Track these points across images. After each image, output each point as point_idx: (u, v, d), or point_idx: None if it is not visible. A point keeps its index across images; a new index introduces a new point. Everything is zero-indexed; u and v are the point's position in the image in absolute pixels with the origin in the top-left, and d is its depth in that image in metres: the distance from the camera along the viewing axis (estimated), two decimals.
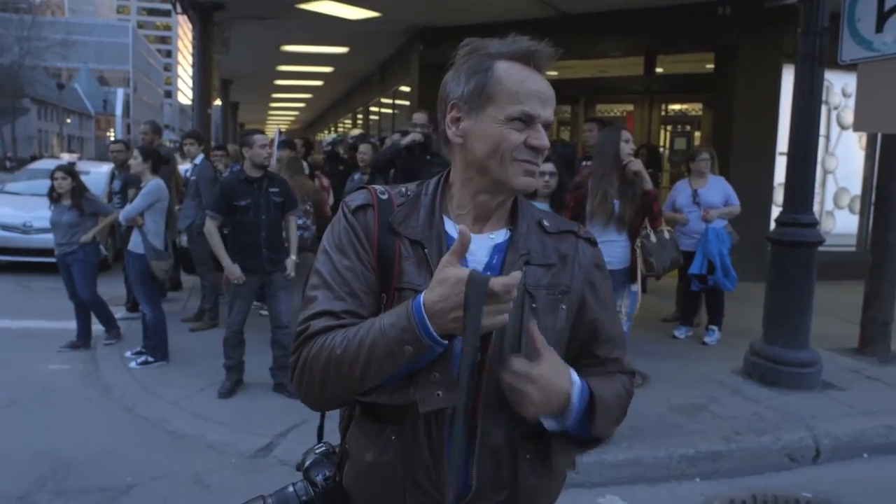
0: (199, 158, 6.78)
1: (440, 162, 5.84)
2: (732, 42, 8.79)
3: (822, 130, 8.60)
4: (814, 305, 5.11)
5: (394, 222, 1.27)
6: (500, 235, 1.31)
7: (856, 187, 9.55)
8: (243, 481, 3.67)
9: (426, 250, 1.25)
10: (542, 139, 1.23)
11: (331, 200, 7.63)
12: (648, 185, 3.93)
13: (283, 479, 4.06)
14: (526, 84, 1.23)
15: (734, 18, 8.40)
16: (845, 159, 9.46)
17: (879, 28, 4.72)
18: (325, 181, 8.56)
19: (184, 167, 8.28)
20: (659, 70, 10.15)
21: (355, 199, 1.31)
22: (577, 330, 1.33)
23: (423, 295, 1.13)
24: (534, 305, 1.25)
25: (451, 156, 1.32)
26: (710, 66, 9.60)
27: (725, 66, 9.13)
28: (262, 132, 5.11)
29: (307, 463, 1.37)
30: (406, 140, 5.68)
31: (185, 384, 4.96)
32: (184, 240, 6.64)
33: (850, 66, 5.06)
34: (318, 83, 19.16)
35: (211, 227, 4.79)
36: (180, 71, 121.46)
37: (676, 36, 9.19)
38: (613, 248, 3.91)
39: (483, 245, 1.28)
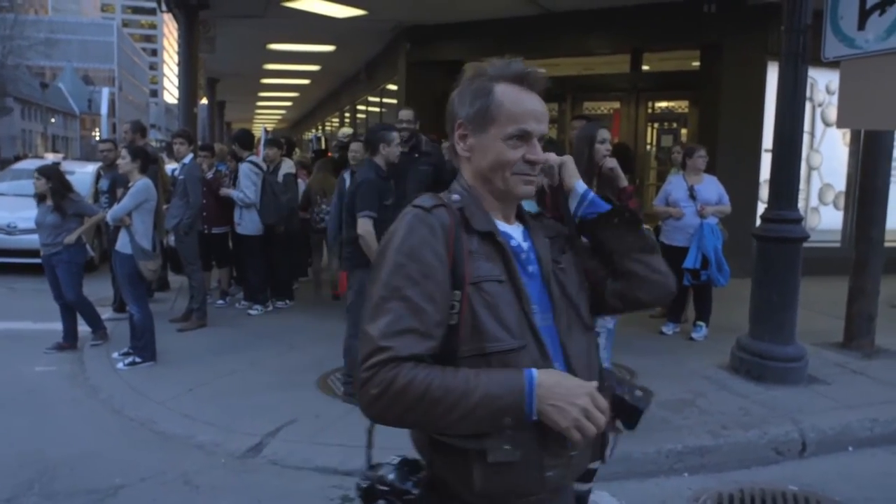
0: (188, 158, 6.75)
1: (427, 161, 5.84)
2: (718, 40, 8.85)
3: (807, 127, 8.67)
4: (799, 301, 5.16)
5: (471, 219, 1.40)
6: (520, 226, 1.53)
7: (840, 183, 9.64)
8: (233, 481, 3.66)
9: (498, 238, 1.40)
10: (537, 154, 1.42)
11: None
12: (623, 182, 3.94)
13: (273, 479, 4.05)
14: (523, 105, 1.41)
15: (719, 16, 8.45)
16: (830, 156, 9.56)
17: (861, 26, 4.77)
18: None
19: (170, 167, 8.23)
20: (645, 67, 10.20)
21: (427, 201, 1.41)
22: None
23: (536, 375, 1.27)
24: (561, 266, 1.50)
25: (459, 166, 1.51)
26: (696, 63, 9.66)
27: (711, 64, 9.19)
28: (396, 129, 4.84)
29: (389, 477, 1.38)
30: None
31: (174, 384, 4.93)
32: (171, 239, 6.61)
33: (833, 63, 5.11)
34: (305, 82, 19.10)
35: (371, 229, 4.37)
36: (166, 70, 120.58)
37: (662, 33, 9.23)
38: None
39: (519, 233, 1.49)
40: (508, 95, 1.41)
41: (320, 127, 26.93)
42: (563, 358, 1.41)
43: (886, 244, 5.97)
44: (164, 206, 6.94)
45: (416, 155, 5.55)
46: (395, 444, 1.50)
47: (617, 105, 10.66)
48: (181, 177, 6.65)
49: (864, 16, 4.79)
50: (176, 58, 10.81)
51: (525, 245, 1.47)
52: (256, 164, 7.18)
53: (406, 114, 5.96)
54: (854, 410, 4.48)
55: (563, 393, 1.26)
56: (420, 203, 1.39)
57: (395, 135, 4.65)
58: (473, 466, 1.32)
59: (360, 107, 18.90)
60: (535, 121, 1.41)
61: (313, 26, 10.95)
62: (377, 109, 16.70)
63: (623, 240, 1.55)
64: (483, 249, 1.38)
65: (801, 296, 5.18)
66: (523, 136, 1.40)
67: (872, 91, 4.78)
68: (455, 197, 1.43)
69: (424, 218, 1.35)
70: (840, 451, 4.15)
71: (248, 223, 7.12)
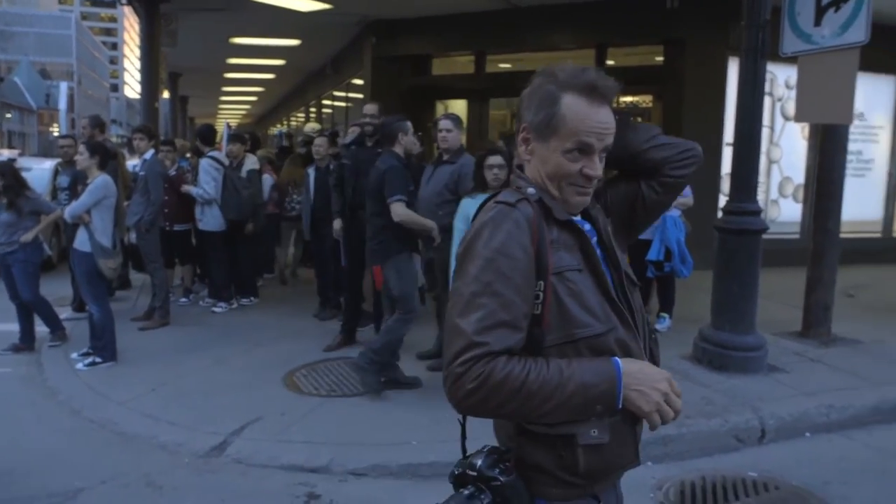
0: (150, 154, 6.62)
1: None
2: (681, 35, 8.96)
3: (767, 121, 8.85)
4: (759, 291, 5.26)
5: (552, 208, 1.43)
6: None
7: (799, 176, 9.84)
8: (196, 481, 3.61)
9: (577, 226, 1.45)
10: (594, 170, 1.44)
11: None
12: None
13: (237, 478, 4.00)
14: (587, 120, 1.42)
15: (682, 12, 8.55)
16: (789, 149, 9.75)
17: (818, 22, 4.89)
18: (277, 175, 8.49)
19: (132, 163, 8.07)
20: (610, 62, 10.28)
21: (510, 196, 1.43)
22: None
23: (622, 365, 1.35)
24: (609, 230, 1.55)
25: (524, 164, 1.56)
26: (660, 58, 9.77)
27: (674, 59, 9.30)
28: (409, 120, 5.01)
29: (478, 464, 1.40)
30: (349, 138, 5.68)
31: (135, 384, 4.84)
32: (132, 237, 6.48)
33: (792, 59, 5.22)
34: (270, 76, 18.85)
35: (407, 210, 4.54)
36: (127, 64, 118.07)
37: (626, 29, 9.32)
38: None
39: (579, 219, 1.52)
40: (573, 109, 1.42)
41: (286, 122, 26.64)
42: (634, 323, 1.48)
43: (842, 235, 6.12)
44: (126, 203, 6.81)
45: (379, 150, 5.51)
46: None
47: None
48: (142, 173, 6.52)
49: (820, 12, 4.90)
50: (137, 52, 10.60)
51: (587, 226, 1.52)
52: (217, 160, 7.07)
53: (371, 108, 5.92)
54: (811, 397, 4.60)
55: (645, 379, 1.36)
56: (503, 199, 1.42)
57: (409, 125, 4.79)
58: (577, 450, 1.38)
59: (325, 101, 18.73)
60: (597, 137, 1.43)
61: (277, 20, 10.81)
62: (343, 104, 16.57)
63: (630, 140, 1.60)
64: (562, 238, 1.42)
65: (762, 286, 5.29)
66: (584, 150, 1.43)
67: (828, 86, 4.90)
68: (531, 190, 1.46)
69: (509, 213, 1.38)
70: (798, 437, 4.26)
71: (209, 219, 7.01)
